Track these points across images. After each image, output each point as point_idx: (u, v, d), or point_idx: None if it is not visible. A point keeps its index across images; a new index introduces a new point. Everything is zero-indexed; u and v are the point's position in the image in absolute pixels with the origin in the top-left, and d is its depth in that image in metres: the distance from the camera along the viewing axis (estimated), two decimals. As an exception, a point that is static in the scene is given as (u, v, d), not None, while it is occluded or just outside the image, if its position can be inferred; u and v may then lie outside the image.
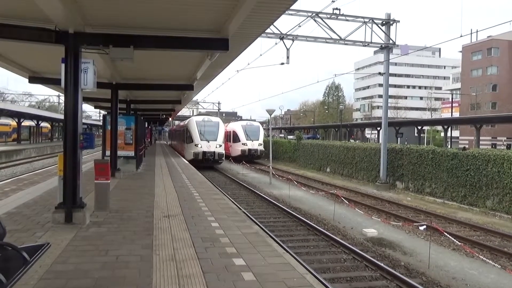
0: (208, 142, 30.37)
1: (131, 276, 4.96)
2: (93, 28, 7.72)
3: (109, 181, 8.89)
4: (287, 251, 7.41)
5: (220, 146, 31.05)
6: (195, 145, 30.24)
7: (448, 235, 10.97)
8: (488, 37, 63.54)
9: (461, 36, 19.19)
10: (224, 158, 32.26)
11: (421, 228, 12.80)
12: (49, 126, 64.61)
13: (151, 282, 4.78)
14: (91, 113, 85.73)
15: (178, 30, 7.85)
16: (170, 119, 54.31)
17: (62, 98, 67.39)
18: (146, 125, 37.93)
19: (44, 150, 43.46)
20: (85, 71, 7.58)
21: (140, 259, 5.62)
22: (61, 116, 58.59)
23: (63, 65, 7.32)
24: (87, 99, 20.47)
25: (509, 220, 15.04)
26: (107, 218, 8.20)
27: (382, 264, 8.92)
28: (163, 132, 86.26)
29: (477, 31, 56.48)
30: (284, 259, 5.92)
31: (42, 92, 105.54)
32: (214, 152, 30.20)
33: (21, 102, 72.88)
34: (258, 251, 6.20)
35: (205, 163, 29.73)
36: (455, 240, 10.84)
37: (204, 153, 29.84)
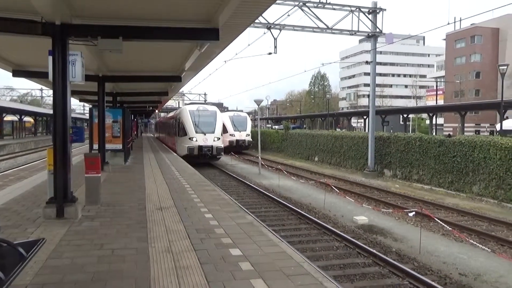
0: (205, 135, 26.73)
1: (128, 269, 4.94)
2: (81, 20, 7.55)
3: (100, 175, 8.80)
4: (283, 241, 7.44)
5: (218, 139, 27.33)
6: (190, 138, 26.65)
7: (439, 221, 11.15)
8: (471, 25, 64.20)
9: (448, 24, 19.44)
10: (223, 153, 28.59)
11: (411, 214, 12.97)
12: (32, 120, 63.48)
13: (149, 274, 4.76)
14: (74, 106, 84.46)
15: (168, 21, 7.74)
16: (156, 111, 53.86)
17: (45, 91, 66.32)
18: (132, 118, 37.47)
19: (28, 145, 42.78)
20: (73, 63, 7.46)
21: (136, 252, 5.59)
22: (45, 110, 57.51)
23: (50, 58, 7.16)
24: (72, 92, 20.10)
25: (495, 204, 15.36)
26: (99, 212, 8.13)
27: (374, 251, 9.04)
28: (149, 124, 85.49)
29: (460, 19, 57.13)
30: (280, 248, 5.95)
31: (24, 86, 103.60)
32: (212, 146, 26.50)
33: (2, 96, 71.51)
34: (253, 241, 6.22)
35: (202, 159, 26.31)
36: (445, 225, 11.03)
37: (200, 147, 26.16)
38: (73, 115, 73.29)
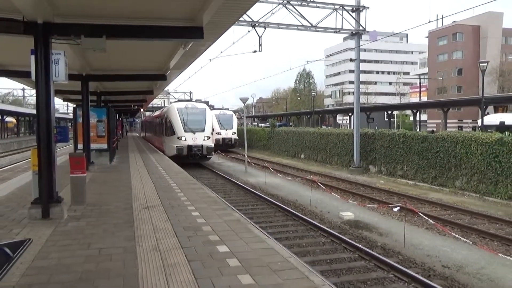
0: (194, 133, 25.34)
1: (116, 268, 4.94)
2: (63, 18, 7.48)
3: (85, 175, 8.75)
4: (269, 237, 7.51)
5: (209, 138, 25.98)
6: (178, 137, 25.23)
7: (423, 215, 11.36)
8: (453, 22, 65.21)
9: (429, 21, 19.75)
10: (213, 152, 27.31)
11: (395, 209, 13.18)
12: (14, 121, 62.47)
13: (137, 272, 4.78)
14: (58, 106, 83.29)
15: (152, 19, 7.72)
16: (141, 110, 53.42)
17: (27, 91, 65.32)
18: (117, 117, 37.07)
19: (10, 145, 42.08)
20: (56, 63, 7.39)
21: (123, 251, 5.59)
22: (28, 110, 56.61)
23: (32, 57, 7.10)
24: (55, 92, 19.86)
25: (477, 198, 15.69)
26: (85, 212, 8.08)
27: (360, 246, 9.17)
28: (134, 124, 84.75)
29: (442, 17, 58.02)
30: (267, 244, 6.01)
31: (6, 85, 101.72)
32: (202, 145, 25.08)
33: (-18, 97, 70.17)
34: (240, 237, 6.27)
35: (191, 159, 24.93)
36: (428, 219, 11.24)
37: (189, 147, 24.77)
38: (57, 114, 72.30)
